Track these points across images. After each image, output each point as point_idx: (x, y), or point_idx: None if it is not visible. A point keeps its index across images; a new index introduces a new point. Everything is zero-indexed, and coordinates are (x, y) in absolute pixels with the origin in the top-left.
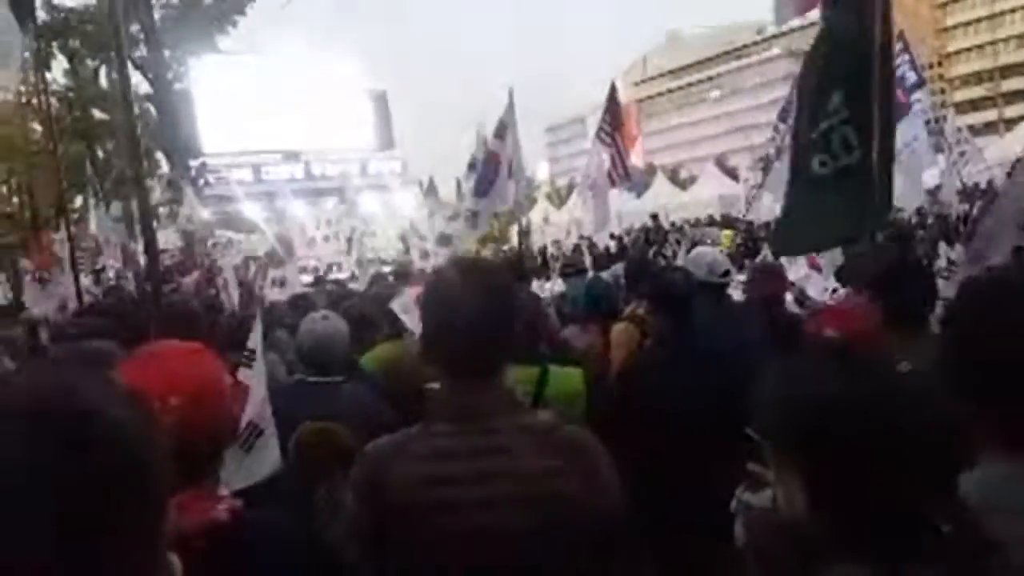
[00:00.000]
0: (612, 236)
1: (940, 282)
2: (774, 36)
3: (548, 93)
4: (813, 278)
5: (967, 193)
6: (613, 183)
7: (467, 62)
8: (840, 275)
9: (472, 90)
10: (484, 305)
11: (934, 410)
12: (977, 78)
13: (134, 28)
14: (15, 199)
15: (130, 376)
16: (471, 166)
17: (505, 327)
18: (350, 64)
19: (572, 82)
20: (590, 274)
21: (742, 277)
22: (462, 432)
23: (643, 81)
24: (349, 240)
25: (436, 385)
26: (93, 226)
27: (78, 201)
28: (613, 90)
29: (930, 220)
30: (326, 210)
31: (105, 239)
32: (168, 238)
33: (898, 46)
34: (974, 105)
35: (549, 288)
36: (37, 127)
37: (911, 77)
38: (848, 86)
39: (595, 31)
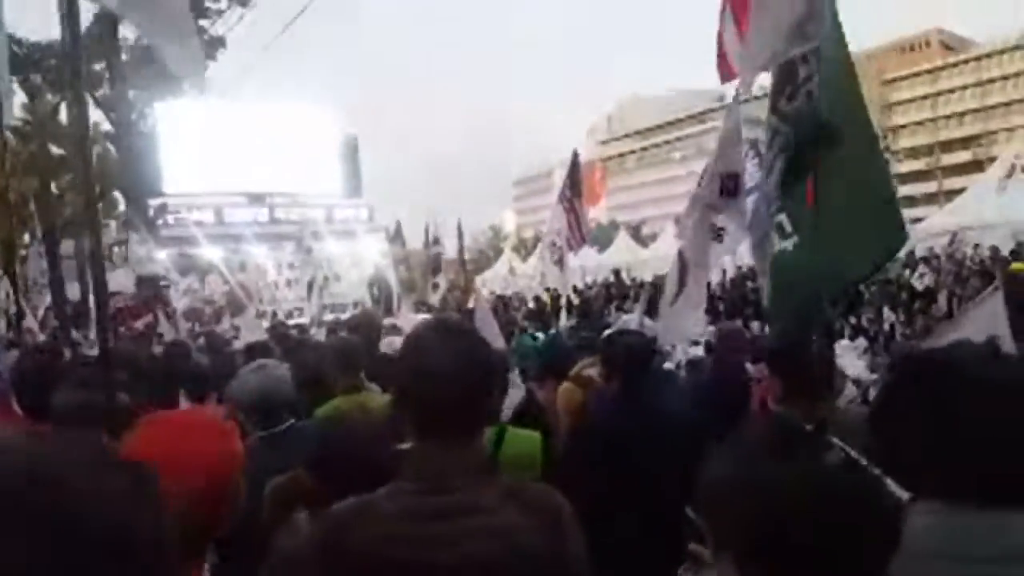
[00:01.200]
0: (575, 289)
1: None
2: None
3: (517, 145)
4: None
5: (907, 263)
6: (571, 247)
7: (439, 111)
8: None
9: (443, 138)
10: (462, 368)
11: (879, 504)
12: (918, 152)
13: (99, 66)
14: None
15: (147, 444)
16: None
17: (482, 390)
18: (321, 110)
19: (541, 134)
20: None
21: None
22: (432, 491)
23: (609, 140)
24: (310, 285)
25: (407, 445)
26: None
27: (26, 238)
28: (575, 157)
29: (873, 287)
30: (288, 255)
31: (33, 281)
32: (120, 279)
33: (750, 153)
34: (917, 176)
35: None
36: None
37: (756, 176)
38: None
39: (563, 86)
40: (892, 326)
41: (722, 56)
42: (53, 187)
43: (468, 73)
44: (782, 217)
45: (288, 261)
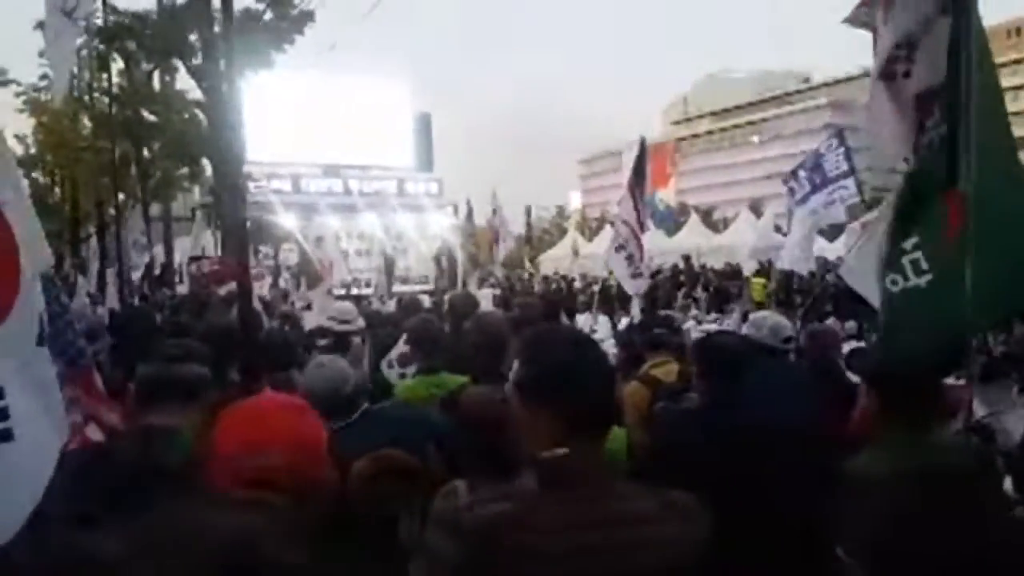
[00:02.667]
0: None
1: None
2: (823, 85)
3: (586, 123)
4: None
5: None
6: (639, 242)
7: (511, 89)
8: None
9: (513, 117)
10: (608, 369)
11: None
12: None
13: (192, 37)
14: (57, 190)
15: (234, 429)
16: None
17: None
18: (398, 86)
19: (610, 114)
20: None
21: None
22: (591, 498)
23: (682, 120)
24: (383, 257)
25: (554, 451)
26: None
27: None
28: (642, 143)
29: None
30: (359, 225)
31: (133, 241)
32: (205, 240)
33: (834, 141)
34: None
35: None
36: (87, 123)
37: (843, 166)
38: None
39: (636, 66)
40: None
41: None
42: (145, 152)
43: (543, 50)
44: (918, 255)
45: (359, 231)
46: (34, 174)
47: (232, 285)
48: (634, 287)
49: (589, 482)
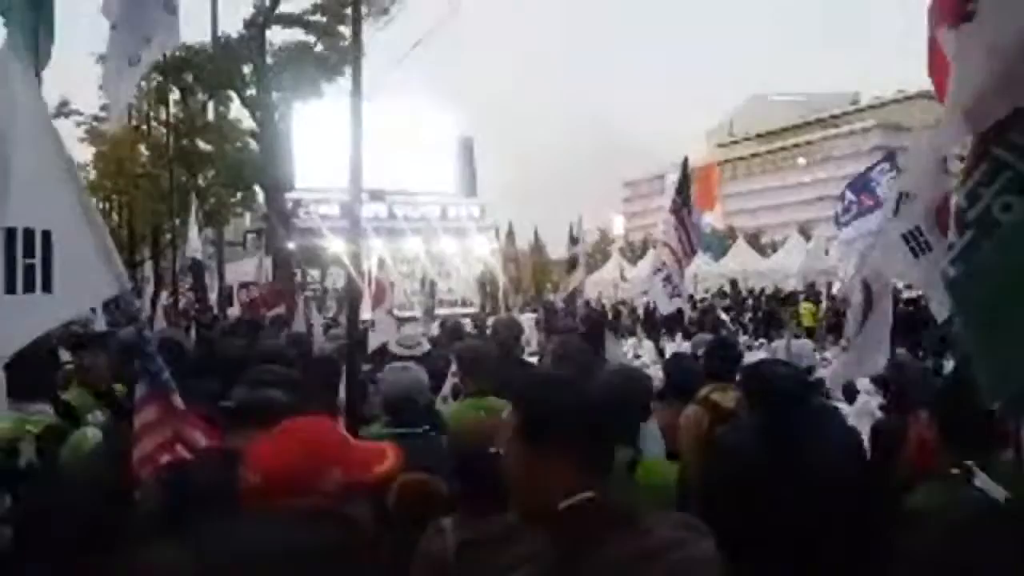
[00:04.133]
0: (690, 299)
1: None
2: (869, 107)
3: (629, 146)
4: None
5: None
6: (681, 261)
7: (554, 112)
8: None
9: (556, 141)
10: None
11: None
12: None
13: (246, 69)
14: (115, 216)
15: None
16: None
17: None
18: (442, 112)
19: (654, 137)
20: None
21: (828, 355)
22: (635, 531)
23: (728, 143)
24: (423, 281)
25: (577, 498)
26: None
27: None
28: (685, 164)
29: None
30: (403, 249)
31: (187, 264)
32: (253, 265)
33: (885, 164)
34: None
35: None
36: (145, 152)
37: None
38: None
39: (680, 89)
40: None
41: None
42: (200, 179)
43: (584, 74)
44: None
45: (403, 255)
46: (93, 200)
47: (280, 309)
48: (669, 307)
49: (626, 515)
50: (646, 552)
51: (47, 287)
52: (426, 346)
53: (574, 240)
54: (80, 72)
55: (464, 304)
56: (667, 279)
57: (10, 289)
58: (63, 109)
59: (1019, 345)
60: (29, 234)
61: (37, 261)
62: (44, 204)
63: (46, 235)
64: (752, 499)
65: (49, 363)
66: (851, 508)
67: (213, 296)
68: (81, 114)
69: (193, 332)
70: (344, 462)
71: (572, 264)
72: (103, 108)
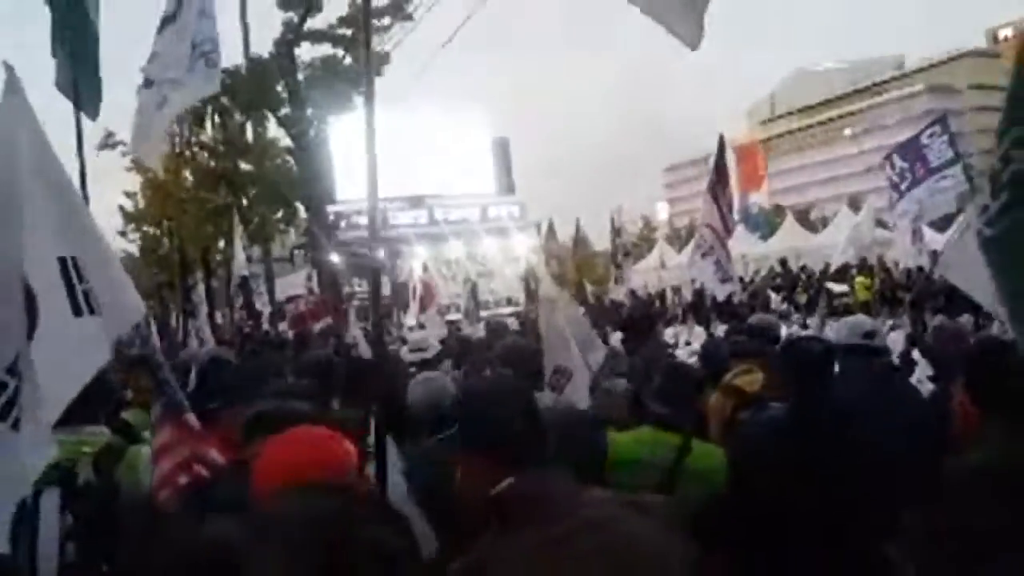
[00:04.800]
0: (739, 280)
1: None
2: (916, 71)
3: (669, 131)
4: None
5: None
6: (720, 240)
7: (587, 103)
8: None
9: (591, 132)
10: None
11: None
12: None
13: (279, 88)
14: (166, 241)
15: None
16: None
17: None
18: (475, 113)
19: (694, 120)
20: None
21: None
22: (556, 517)
23: (770, 120)
24: (466, 282)
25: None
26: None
27: (221, 244)
28: (721, 142)
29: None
30: (445, 252)
31: (237, 283)
32: (301, 279)
33: (936, 128)
34: None
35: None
36: (189, 176)
37: (948, 153)
38: None
39: (718, 68)
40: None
41: None
42: (244, 199)
43: (618, 59)
44: None
45: (445, 259)
46: (144, 227)
47: (328, 320)
48: (723, 292)
49: (544, 507)
50: (571, 531)
51: (98, 310)
52: (436, 347)
53: (617, 232)
54: (122, 103)
55: (510, 303)
56: (717, 263)
57: (77, 312)
58: (108, 140)
59: None
60: (75, 261)
61: (89, 286)
62: (75, 232)
63: (79, 261)
64: (768, 483)
65: (103, 386)
66: (877, 488)
67: (266, 312)
68: (125, 144)
69: (242, 349)
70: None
71: (615, 257)
72: None
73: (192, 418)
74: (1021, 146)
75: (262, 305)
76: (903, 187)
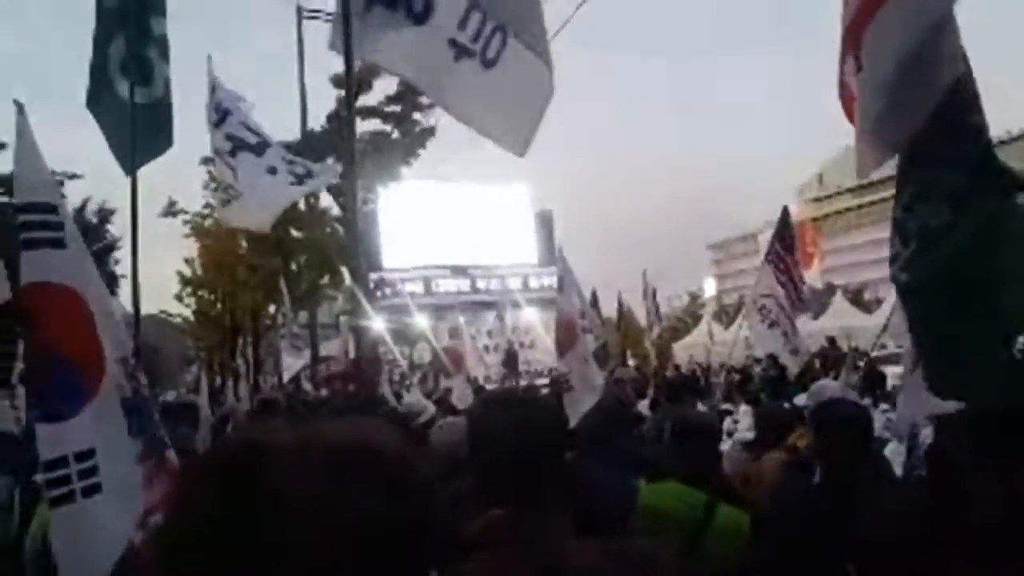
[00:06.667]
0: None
1: None
2: None
3: (715, 208)
4: None
5: None
6: (790, 309)
7: (633, 179)
8: None
9: (640, 205)
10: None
11: None
12: None
13: (330, 160)
14: (219, 305)
15: None
16: None
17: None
18: (519, 187)
19: (740, 197)
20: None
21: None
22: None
23: (819, 198)
24: (507, 352)
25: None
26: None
27: (270, 309)
28: (785, 212)
29: None
30: (487, 322)
31: (289, 343)
32: (339, 343)
33: None
34: None
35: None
36: (244, 244)
37: None
38: None
39: (765, 146)
40: None
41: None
42: (293, 265)
43: (664, 138)
44: None
45: (488, 328)
46: (200, 292)
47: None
48: (794, 364)
49: (519, 540)
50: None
51: None
52: (431, 412)
53: (650, 296)
54: (183, 172)
55: (551, 372)
56: (785, 335)
57: None
58: (171, 209)
59: (967, 339)
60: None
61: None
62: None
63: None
64: (794, 542)
65: None
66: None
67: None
68: (187, 212)
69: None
70: None
71: (649, 317)
72: (205, 206)
73: (172, 454)
74: (920, 200)
75: (302, 369)
76: None
